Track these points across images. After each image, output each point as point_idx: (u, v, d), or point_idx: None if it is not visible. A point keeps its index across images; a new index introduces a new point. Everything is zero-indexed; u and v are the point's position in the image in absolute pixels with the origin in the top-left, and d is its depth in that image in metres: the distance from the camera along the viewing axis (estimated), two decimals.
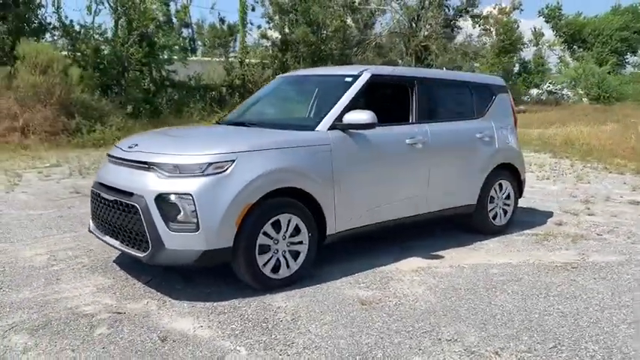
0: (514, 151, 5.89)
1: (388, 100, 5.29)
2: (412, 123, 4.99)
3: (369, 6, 34.29)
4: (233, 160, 3.80)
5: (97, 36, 22.37)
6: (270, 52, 28.88)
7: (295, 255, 4.14)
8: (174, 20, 47.98)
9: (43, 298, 3.90)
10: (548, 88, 37.65)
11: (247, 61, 27.79)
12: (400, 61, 33.73)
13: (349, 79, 4.72)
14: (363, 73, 4.75)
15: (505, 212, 5.84)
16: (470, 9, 34.33)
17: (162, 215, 3.73)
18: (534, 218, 6.49)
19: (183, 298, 3.90)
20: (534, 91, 38.37)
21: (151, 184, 3.79)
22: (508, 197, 5.84)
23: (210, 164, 3.76)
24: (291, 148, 4.08)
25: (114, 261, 4.72)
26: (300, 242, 4.14)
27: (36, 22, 22.51)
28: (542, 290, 4.10)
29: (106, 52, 21.87)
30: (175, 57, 23.51)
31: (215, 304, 3.79)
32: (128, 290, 4.06)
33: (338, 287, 4.12)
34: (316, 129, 4.31)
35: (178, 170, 3.77)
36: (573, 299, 3.93)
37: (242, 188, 3.75)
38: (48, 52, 15.29)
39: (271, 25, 28.44)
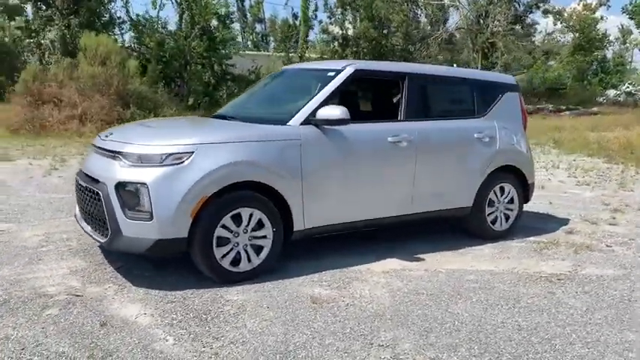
0: (519, 154, 5.58)
1: (374, 97, 5.16)
2: (400, 120, 4.83)
3: (437, 1, 33.55)
4: (192, 152, 3.83)
5: (161, 29, 23.23)
6: (331, 47, 28.91)
7: (258, 249, 4.12)
8: (249, 15, 48.93)
9: (17, 277, 4.09)
10: (627, 89, 35.40)
11: (307, 55, 27.96)
12: (463, 58, 32.88)
13: (332, 74, 4.64)
14: (345, 68, 4.65)
15: (507, 217, 5.55)
16: (541, 4, 32.84)
17: (120, 203, 3.82)
18: (547, 225, 6.14)
19: (143, 285, 3.98)
20: (611, 92, 36.20)
21: (114, 173, 3.89)
22: (511, 202, 5.55)
23: (169, 155, 3.81)
24: (255, 142, 4.06)
25: (99, 246, 4.88)
26: (264, 237, 4.12)
27: (107, 16, 23.72)
28: (511, 301, 3.87)
29: (169, 45, 22.61)
30: (233, 50, 23.99)
31: (169, 292, 3.84)
32: (97, 274, 4.19)
33: (298, 284, 4.07)
34: (288, 123, 4.26)
35: (140, 160, 3.84)
36: (539, 312, 3.69)
37: (198, 180, 3.78)
38: (107, 44, 16.00)
39: (332, 20, 28.42)
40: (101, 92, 15.73)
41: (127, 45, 23.18)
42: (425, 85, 5.07)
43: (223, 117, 4.85)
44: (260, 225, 4.09)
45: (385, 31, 28.71)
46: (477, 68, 31.41)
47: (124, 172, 3.85)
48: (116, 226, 3.82)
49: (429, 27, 33.86)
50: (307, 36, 28.58)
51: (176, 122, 5.55)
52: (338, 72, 4.63)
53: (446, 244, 5.25)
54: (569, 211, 6.90)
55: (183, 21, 23.59)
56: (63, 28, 20.32)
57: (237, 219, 3.99)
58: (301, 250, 4.76)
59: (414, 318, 3.55)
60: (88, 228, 4.22)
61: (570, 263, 4.78)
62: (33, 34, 21.95)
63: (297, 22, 41.45)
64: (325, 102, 4.41)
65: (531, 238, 5.55)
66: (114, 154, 3.97)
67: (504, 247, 5.24)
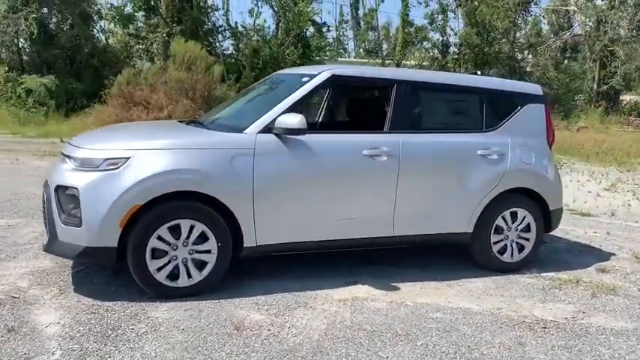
0: (539, 175, 4.81)
1: (355, 105, 4.70)
2: (384, 132, 4.34)
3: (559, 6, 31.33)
4: (127, 158, 3.66)
5: (256, 37, 23.83)
6: (430, 54, 28.05)
7: (201, 265, 3.86)
8: (362, 23, 49.29)
9: None
10: None
11: (404, 62, 27.34)
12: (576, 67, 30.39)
13: (305, 79, 4.28)
14: (320, 73, 4.26)
15: (521, 248, 4.82)
16: None
17: (58, 206, 3.76)
18: (581, 258, 5.28)
19: (82, 292, 3.88)
20: None
21: (57, 176, 3.84)
22: (527, 230, 4.81)
23: (105, 160, 3.68)
24: (200, 150, 3.81)
25: None
26: (208, 251, 3.86)
27: (209, 24, 24.78)
28: (461, 349, 3.27)
29: (264, 52, 23.13)
30: (325, 57, 24.02)
31: (99, 302, 3.70)
32: (51, 277, 4.16)
33: (237, 306, 3.75)
34: (245, 131, 3.97)
35: (82, 164, 3.75)
36: None
37: (129, 187, 3.60)
38: (194, 50, 16.61)
39: (432, 26, 27.53)
40: (187, 96, 16.35)
41: (226, 52, 24.06)
42: (418, 94, 4.53)
43: (196, 122, 4.65)
44: (203, 239, 3.83)
45: (489, 38, 27.27)
46: (593, 78, 28.91)
47: (64, 175, 3.78)
48: (54, 229, 3.76)
49: (540, 34, 31.73)
50: (407, 43, 27.89)
51: (140, 127, 5.32)
52: (312, 77, 4.25)
53: (440, 272, 4.66)
54: (622, 245, 5.92)
55: (279, 28, 24.03)
56: (165, 35, 21.44)
57: (176, 231, 3.76)
58: (269, 265, 4.44)
59: (328, 358, 3.09)
60: (44, 229, 4.22)
61: (575, 308, 4.01)
62: (140, 41, 23.41)
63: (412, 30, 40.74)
64: (292, 109, 4.06)
65: (549, 274, 4.77)
66: (65, 158, 3.92)
67: (507, 281, 4.54)
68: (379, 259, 4.85)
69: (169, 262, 3.78)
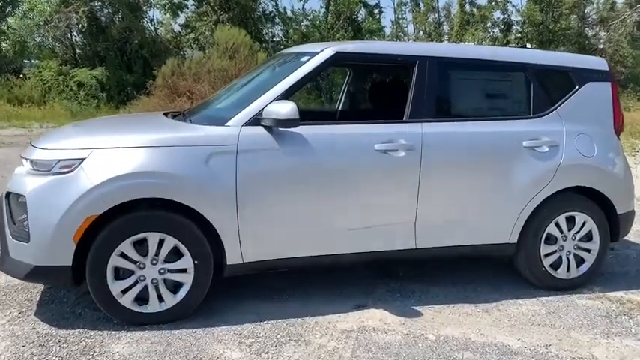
0: (603, 171, 3.85)
1: (365, 90, 3.89)
2: (402, 121, 3.53)
3: None
4: (82, 159, 3.04)
5: (305, 22, 23.15)
6: (490, 33, 26.47)
7: (174, 286, 3.22)
8: (421, 5, 47.72)
9: None
10: None
11: (463, 43, 25.90)
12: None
13: (304, 59, 3.52)
14: (322, 52, 3.48)
15: (580, 260, 3.89)
16: None
17: (9, 217, 3.21)
18: None
19: (44, 315, 3.32)
20: None
21: (10, 180, 3.28)
22: (588, 239, 3.88)
23: (58, 161, 3.07)
24: (169, 148, 3.13)
25: None
26: (183, 270, 3.20)
27: (259, 11, 24.28)
28: None
29: (314, 37, 22.42)
30: (374, 39, 23.06)
31: (53, 331, 3.12)
32: (19, 294, 3.63)
33: (212, 338, 3.08)
34: (227, 124, 3.27)
35: (35, 167, 3.17)
36: None
37: (84, 194, 2.98)
38: (238, 37, 16.09)
39: (493, 4, 25.89)
40: None
41: (276, 39, 23.51)
42: (446, 74, 3.67)
43: (182, 115, 3.96)
44: (177, 255, 3.18)
45: (555, 14, 25.38)
46: None
47: (15, 180, 3.22)
48: (5, 244, 3.20)
49: (613, 8, 29.26)
50: (465, 22, 26.41)
51: (110, 121, 4.48)
52: (311, 56, 3.49)
53: (476, 290, 3.82)
54: None
55: (329, 12, 23.23)
56: (212, 24, 21.09)
57: (143, 246, 3.13)
58: (266, 280, 3.75)
59: None
60: None
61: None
62: (190, 31, 23.22)
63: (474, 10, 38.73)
64: (287, 95, 3.33)
65: (616, 294, 3.83)
66: (22, 159, 3.35)
67: (561, 304, 3.64)
68: (401, 271, 4.05)
69: (136, 283, 3.15)
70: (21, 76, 20.15)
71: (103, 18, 21.53)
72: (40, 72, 19.12)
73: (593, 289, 3.88)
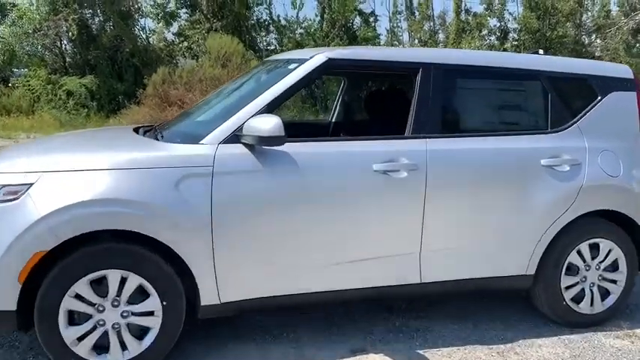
0: (628, 191, 3.41)
1: (361, 100, 3.45)
2: (404, 137, 3.09)
3: None
4: (29, 184, 2.58)
5: (300, 30, 22.77)
6: (487, 41, 26.14)
7: (140, 332, 2.75)
8: (416, 13, 47.65)
9: None
10: None
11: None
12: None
13: (293, 66, 3.07)
14: (312, 58, 3.04)
15: (605, 293, 3.45)
16: None
17: None
18: None
19: None
20: None
21: None
22: (614, 268, 3.43)
23: (2, 187, 2.61)
24: (132, 171, 2.67)
25: None
26: (149, 313, 2.74)
27: (252, 19, 23.90)
28: None
29: (308, 46, 22.02)
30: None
31: None
32: None
33: None
34: (201, 141, 2.81)
35: None
36: None
37: (30, 226, 2.52)
38: (230, 45, 15.69)
39: (489, 12, 25.58)
40: None
41: (270, 47, 23.12)
42: (453, 83, 3.25)
43: (155, 130, 3.49)
44: (142, 295, 2.72)
45: (552, 21, 25.09)
46: None
47: None
48: None
49: (609, 16, 29.03)
50: (460, 29, 26.10)
51: (68, 137, 3.81)
52: (300, 63, 3.04)
53: (490, 328, 3.36)
54: None
55: (324, 20, 22.86)
56: (205, 32, 20.70)
57: (102, 285, 2.66)
58: (247, 317, 3.29)
59: None
60: None
61: None
62: (182, 39, 22.83)
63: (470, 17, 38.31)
64: (272, 108, 2.88)
65: None
66: None
67: (585, 344, 3.19)
68: (403, 305, 3.59)
69: (94, 328, 2.68)
70: (9, 85, 19.70)
71: (93, 26, 21.11)
72: (27, 81, 18.67)
73: (620, 325, 3.43)
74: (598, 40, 28.24)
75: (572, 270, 3.37)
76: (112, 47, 20.58)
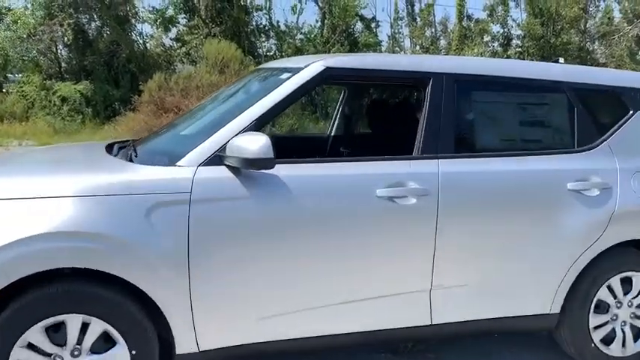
0: None
1: (363, 115, 3.06)
2: (412, 157, 2.70)
3: None
4: None
5: (300, 36, 22.46)
6: (490, 47, 25.81)
7: None
8: (418, 19, 47.60)
9: None
10: None
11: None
12: None
13: (286, 76, 2.69)
14: (308, 67, 2.65)
15: (638, 333, 3.05)
16: None
17: None
18: None
19: None
20: None
21: None
22: None
23: None
24: (97, 198, 2.28)
25: None
26: None
27: (252, 25, 23.57)
28: None
29: (308, 52, 21.68)
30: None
31: None
32: None
33: None
34: (178, 163, 2.42)
35: None
36: None
37: None
38: (228, 51, 15.34)
39: (492, 18, 25.27)
40: None
41: (269, 53, 22.77)
42: (468, 95, 2.86)
43: (130, 147, 3.09)
44: (107, 343, 2.32)
45: (556, 28, 24.77)
46: None
47: None
48: None
49: (611, 22, 28.75)
50: (463, 36, 25.78)
51: (25, 156, 3.51)
52: (294, 73, 2.65)
53: None
54: None
55: (325, 25, 22.54)
56: (202, 37, 20.36)
57: (60, 332, 2.27)
58: None
59: None
60: None
61: None
62: (180, 45, 22.51)
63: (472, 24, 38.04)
64: (260, 124, 2.50)
65: None
66: None
67: None
68: (409, 345, 3.19)
69: None
70: (3, 91, 19.35)
71: (90, 31, 20.78)
72: (21, 87, 18.32)
73: None
74: (602, 48, 27.98)
75: (601, 308, 2.98)
76: (108, 53, 20.25)
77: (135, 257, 2.27)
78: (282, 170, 2.44)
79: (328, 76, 2.65)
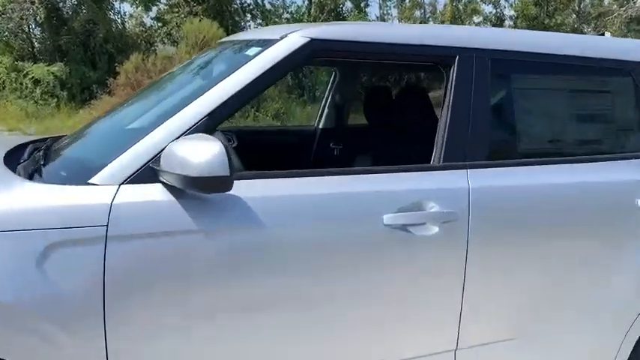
0: None
1: (362, 108, 2.27)
2: (431, 167, 1.92)
3: None
4: None
5: (287, 15, 21.58)
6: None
7: None
8: (407, 0, 46.69)
9: None
10: None
11: None
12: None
13: (253, 51, 1.88)
14: (284, 39, 1.85)
15: None
16: None
17: None
18: None
19: None
20: None
21: None
22: None
23: None
24: None
25: None
26: None
27: (236, 3, 22.60)
28: None
29: None
30: None
31: None
32: None
33: None
34: (91, 180, 1.62)
35: None
36: None
37: None
38: (209, 30, 14.42)
39: None
40: None
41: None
42: (508, 81, 2.07)
43: (41, 153, 2.26)
44: None
45: (550, 8, 24.08)
46: None
47: None
48: None
49: (602, 4, 28.07)
50: (454, 16, 24.99)
51: None
52: (265, 47, 1.85)
53: None
54: None
55: (312, 4, 21.63)
56: (183, 16, 19.38)
57: None
58: None
59: None
60: None
61: None
62: (161, 24, 21.54)
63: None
64: (207, 125, 1.70)
65: None
66: None
67: None
68: None
69: None
70: None
71: (64, 9, 19.67)
72: None
73: None
74: (597, 29, 27.35)
75: None
76: (84, 32, 19.18)
77: (23, 321, 1.49)
78: (245, 190, 1.66)
79: (313, 50, 1.85)
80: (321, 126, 3.27)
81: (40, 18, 18.26)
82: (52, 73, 17.59)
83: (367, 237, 1.77)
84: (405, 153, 1.99)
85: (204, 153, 1.49)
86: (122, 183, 1.61)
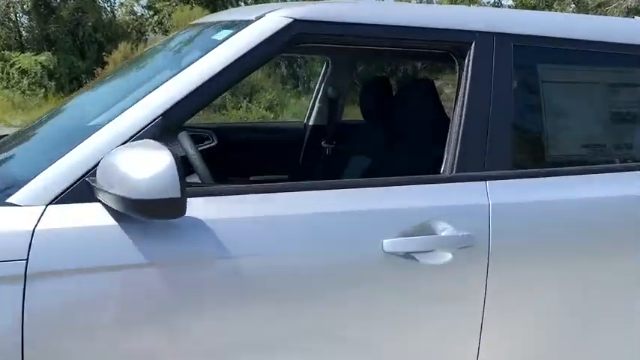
0: None
1: (358, 104, 1.90)
2: (440, 178, 1.56)
3: None
4: None
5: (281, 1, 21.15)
6: None
7: None
8: None
9: None
10: None
11: None
12: None
13: (222, 35, 1.51)
14: (262, 19, 1.48)
15: None
16: None
17: None
18: None
19: None
20: None
21: None
22: None
23: None
24: None
25: None
26: None
27: None
28: None
29: None
30: None
31: None
32: None
33: None
34: (9, 200, 1.25)
35: None
36: None
37: None
38: (201, 17, 13.98)
39: None
40: None
41: None
42: (535, 71, 1.71)
43: None
44: None
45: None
46: None
47: None
48: None
49: None
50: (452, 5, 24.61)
51: None
52: (237, 29, 1.48)
53: None
54: None
55: None
56: (175, 4, 18.97)
57: None
58: None
59: None
60: None
61: None
62: (152, 13, 21.13)
63: None
64: (162, 127, 1.33)
65: None
66: None
67: None
68: None
69: None
70: None
71: None
72: None
73: None
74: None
75: None
76: (72, 21, 18.76)
77: None
78: (204, 210, 1.30)
79: (294, 35, 1.48)
80: (311, 123, 2.89)
81: (28, 6, 17.88)
82: (40, 62, 17.23)
83: (365, 267, 1.42)
84: (408, 160, 1.63)
85: (149, 167, 1.13)
86: (50, 203, 1.24)
